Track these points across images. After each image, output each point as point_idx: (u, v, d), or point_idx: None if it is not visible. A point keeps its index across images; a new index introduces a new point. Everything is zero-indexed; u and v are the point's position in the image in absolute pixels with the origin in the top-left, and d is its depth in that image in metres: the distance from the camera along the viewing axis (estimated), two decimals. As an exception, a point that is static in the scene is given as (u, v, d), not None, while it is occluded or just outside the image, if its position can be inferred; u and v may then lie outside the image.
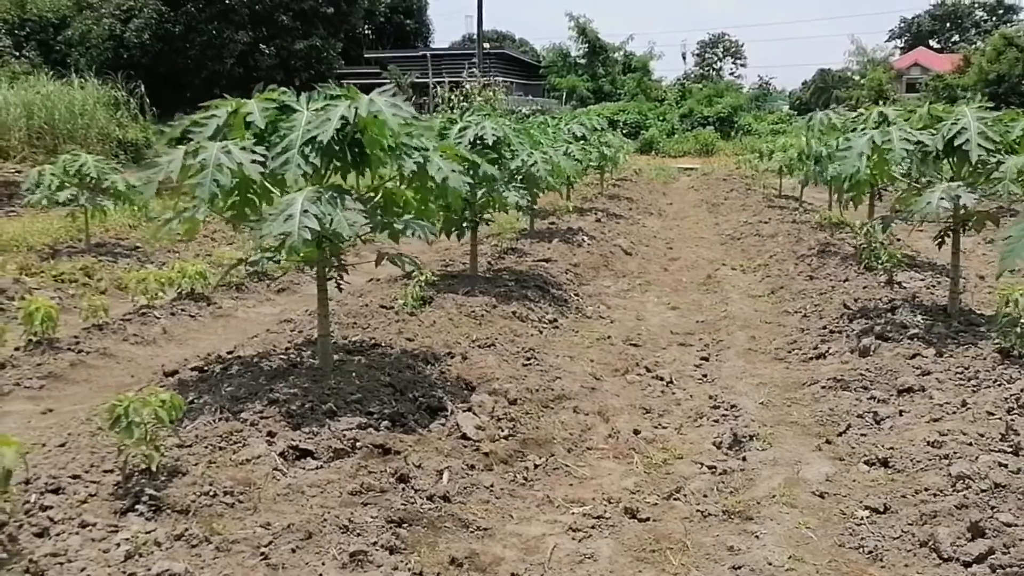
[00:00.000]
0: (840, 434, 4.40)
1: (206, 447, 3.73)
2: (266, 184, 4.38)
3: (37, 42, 31.58)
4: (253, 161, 3.94)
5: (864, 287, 7.30)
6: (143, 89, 22.05)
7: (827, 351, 5.80)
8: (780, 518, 3.56)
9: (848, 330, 6.05)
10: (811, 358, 5.82)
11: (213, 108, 4.22)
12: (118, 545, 2.88)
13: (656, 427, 4.82)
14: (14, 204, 13.59)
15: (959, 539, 3.15)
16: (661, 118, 38.42)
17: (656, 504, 3.83)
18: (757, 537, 3.41)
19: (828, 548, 3.33)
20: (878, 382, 4.95)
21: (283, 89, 4.57)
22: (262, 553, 3.03)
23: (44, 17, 32.14)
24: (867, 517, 3.50)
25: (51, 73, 21.98)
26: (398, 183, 4.78)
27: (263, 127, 4.20)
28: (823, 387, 5.08)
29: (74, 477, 3.32)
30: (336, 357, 5.03)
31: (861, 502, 3.62)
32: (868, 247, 8.31)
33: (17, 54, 30.00)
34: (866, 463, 4.01)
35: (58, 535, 2.92)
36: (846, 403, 4.75)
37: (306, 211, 3.86)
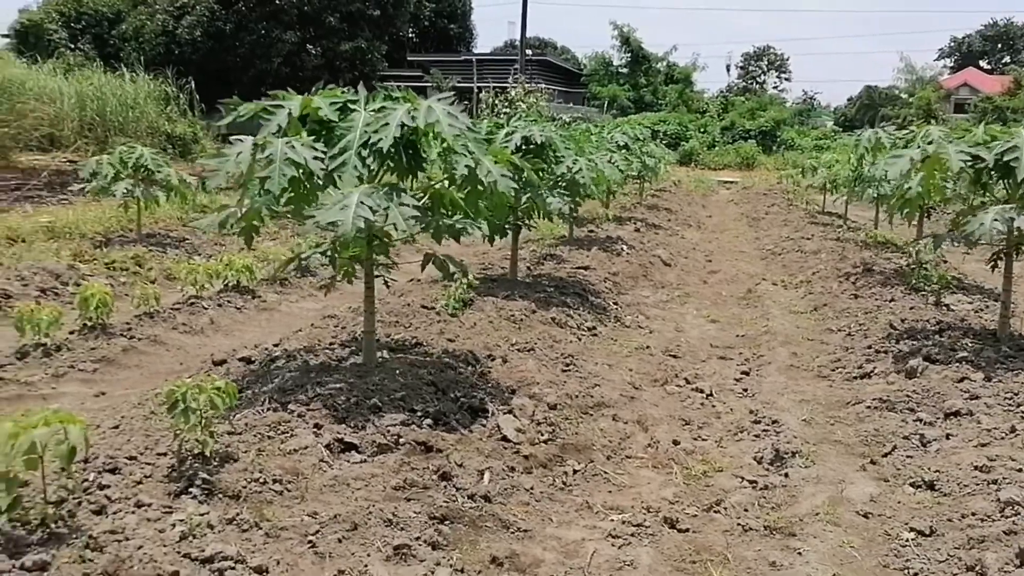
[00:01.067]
0: (885, 455, 4.36)
1: (255, 435, 3.80)
2: (319, 182, 4.45)
3: (92, 36, 32.30)
4: (315, 158, 4.02)
5: (911, 308, 7.22)
6: (193, 85, 22.45)
7: (872, 371, 5.74)
8: (823, 536, 3.54)
9: (894, 351, 5.98)
10: (855, 377, 5.76)
11: (282, 99, 4.29)
12: (173, 526, 2.95)
13: (696, 439, 4.81)
14: (67, 193, 13.93)
15: (1007, 565, 3.11)
16: (702, 130, 38.23)
17: (696, 516, 3.82)
18: (800, 554, 3.40)
19: (872, 568, 3.31)
20: (925, 404, 4.90)
21: (343, 88, 4.65)
22: (310, 541, 3.09)
23: (99, 11, 32.87)
24: (912, 539, 3.47)
25: (104, 67, 22.48)
26: (447, 185, 4.83)
27: (336, 119, 4.27)
28: (868, 407, 5.04)
29: (130, 458, 3.41)
30: (379, 354, 5.10)
31: (906, 524, 3.59)
32: (917, 267, 8.21)
33: (72, 47, 30.72)
34: (912, 485, 3.97)
35: (115, 513, 3.00)
36: (892, 424, 4.71)
37: (361, 203, 3.92)
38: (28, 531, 2.81)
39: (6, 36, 33.04)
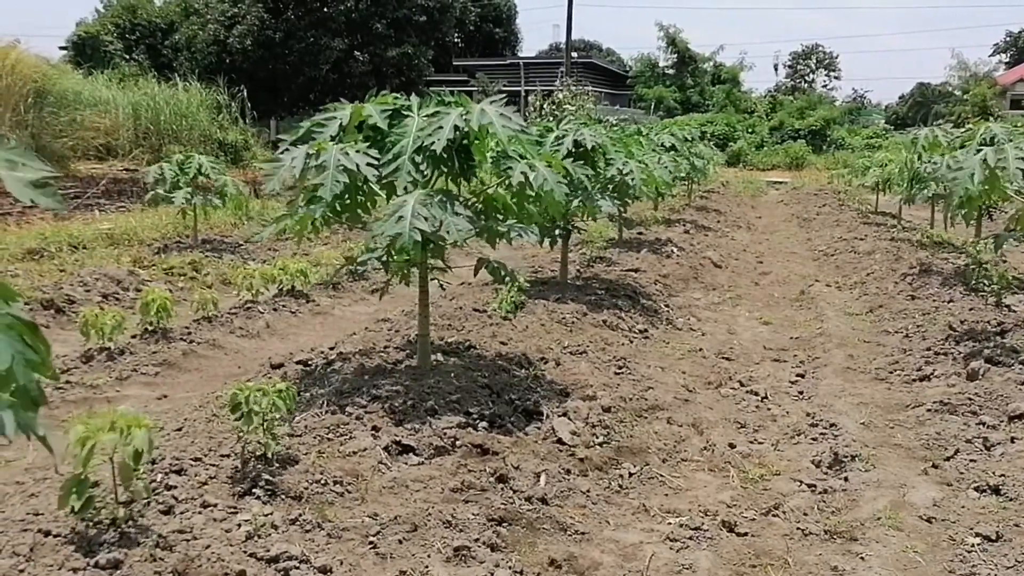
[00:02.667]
0: (948, 459, 4.26)
1: (315, 438, 3.87)
2: (373, 187, 4.50)
3: (146, 46, 33.13)
4: (368, 164, 4.08)
5: (970, 309, 7.05)
6: (245, 93, 22.84)
7: (932, 373, 5.62)
8: (886, 541, 3.48)
9: (954, 352, 5.85)
10: (914, 380, 5.65)
11: (334, 110, 4.38)
12: (239, 526, 3.02)
13: (752, 442, 4.76)
14: (124, 200, 14.31)
15: (1080, 573, 3.03)
16: (750, 130, 37.73)
17: (754, 519, 3.78)
18: (862, 559, 3.35)
19: (937, 574, 3.24)
20: (988, 407, 4.78)
21: (395, 94, 4.71)
22: (371, 542, 3.13)
23: (153, 22, 33.72)
24: (978, 544, 3.39)
25: (158, 76, 23.03)
26: (498, 188, 4.85)
27: (385, 127, 4.33)
28: (928, 410, 4.93)
29: (195, 460, 3.49)
30: (434, 357, 5.14)
31: (971, 529, 3.52)
32: (976, 267, 8.02)
33: (127, 57, 31.54)
34: (976, 489, 3.88)
35: (183, 513, 3.08)
36: (953, 427, 4.61)
37: (417, 214, 3.98)
38: (100, 530, 2.89)
39: (64, 48, 34.07)
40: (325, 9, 29.19)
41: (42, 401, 1.85)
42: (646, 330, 7.05)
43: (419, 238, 3.95)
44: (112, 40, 32.79)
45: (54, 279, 7.64)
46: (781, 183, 27.16)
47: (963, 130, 9.32)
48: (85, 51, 31.96)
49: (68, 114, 18.39)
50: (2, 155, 1.49)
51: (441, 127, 4.18)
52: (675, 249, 11.00)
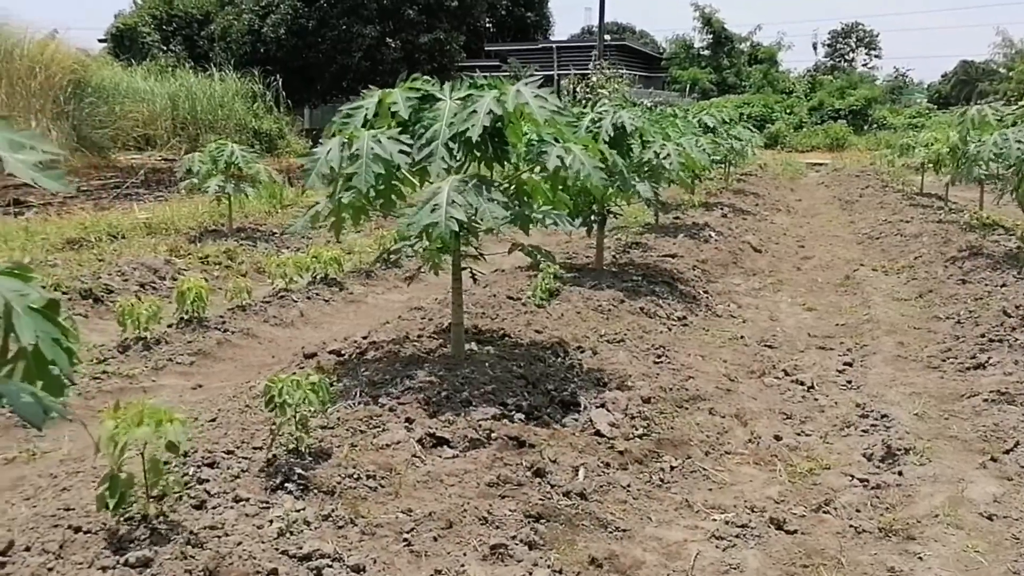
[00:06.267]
0: (1007, 452, 4.06)
1: (347, 430, 3.78)
2: (406, 174, 4.40)
3: (183, 37, 33.35)
4: (400, 151, 3.97)
5: (1025, 293, 6.78)
6: (279, 82, 22.94)
7: (987, 361, 5.38)
8: (944, 539, 3.31)
9: (1010, 339, 5.61)
10: (969, 368, 5.42)
11: (361, 98, 4.28)
12: (271, 522, 2.94)
13: (799, 434, 4.59)
14: (163, 189, 14.42)
15: None
16: (788, 111, 37.01)
17: (804, 516, 3.63)
18: (920, 559, 3.18)
19: (1002, 575, 3.07)
20: (1048, 397, 4.56)
21: (425, 78, 4.60)
22: (405, 539, 3.04)
23: (189, 13, 33.91)
24: (1044, 544, 3.21)
25: (194, 67, 23.21)
26: (531, 174, 4.72)
27: (407, 117, 4.22)
28: (985, 400, 4.72)
29: (227, 452, 3.43)
30: (468, 346, 5.04)
31: (1036, 527, 3.33)
32: (1031, 250, 7.72)
33: (164, 48, 31.81)
34: (1039, 485, 3.69)
35: (215, 508, 3.01)
36: (1012, 418, 4.39)
37: (453, 202, 3.86)
38: (131, 527, 2.83)
39: (103, 41, 34.48)
40: (358, -4, 29.10)
41: (70, 382, 1.78)
42: (685, 317, 6.88)
43: (456, 227, 3.83)
44: (149, 31, 33.07)
45: (93, 269, 7.65)
46: (821, 164, 26.61)
47: (1014, 107, 9.00)
48: (124, 43, 32.28)
49: (108, 105, 18.59)
50: (7, 136, 1.40)
51: (476, 112, 4.05)
52: (713, 233, 10.77)
